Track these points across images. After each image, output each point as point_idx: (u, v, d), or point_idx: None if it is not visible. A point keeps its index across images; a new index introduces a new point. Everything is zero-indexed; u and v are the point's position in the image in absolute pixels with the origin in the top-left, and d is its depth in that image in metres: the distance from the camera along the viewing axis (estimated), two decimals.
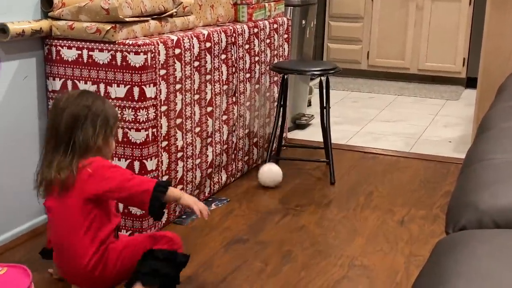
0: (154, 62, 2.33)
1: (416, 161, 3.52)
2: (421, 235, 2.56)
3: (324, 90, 3.22)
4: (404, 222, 2.69)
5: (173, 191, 1.94)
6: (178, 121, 2.54)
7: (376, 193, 3.02)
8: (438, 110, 4.77)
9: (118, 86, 2.33)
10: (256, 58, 3.15)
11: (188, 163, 2.65)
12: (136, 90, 2.31)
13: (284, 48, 3.48)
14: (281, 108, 3.26)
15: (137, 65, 2.29)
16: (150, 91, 2.34)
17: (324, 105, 3.24)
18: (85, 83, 2.37)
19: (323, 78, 3.24)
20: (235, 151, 3.08)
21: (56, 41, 2.39)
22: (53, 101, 2.02)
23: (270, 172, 3.02)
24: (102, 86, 2.35)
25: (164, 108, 2.43)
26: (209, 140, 2.80)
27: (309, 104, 4.54)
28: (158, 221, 2.15)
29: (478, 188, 1.42)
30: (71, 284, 2.01)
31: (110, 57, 2.32)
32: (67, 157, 1.88)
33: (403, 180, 3.21)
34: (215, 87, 2.79)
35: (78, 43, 2.36)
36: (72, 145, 1.88)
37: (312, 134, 3.97)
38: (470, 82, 5.38)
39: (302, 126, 4.14)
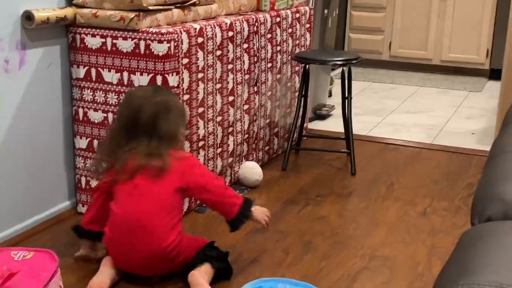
0: (177, 50, 2.35)
1: (438, 152, 3.51)
2: (443, 226, 2.55)
3: (346, 81, 3.21)
4: (426, 213, 2.69)
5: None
6: (200, 110, 2.56)
7: (398, 184, 3.02)
8: (461, 101, 4.73)
9: (141, 74, 2.35)
10: (278, 48, 3.16)
11: (209, 152, 2.67)
12: (159, 78, 2.33)
13: (306, 38, 3.47)
14: (302, 98, 3.26)
15: (160, 54, 2.31)
16: (172, 80, 2.35)
17: (346, 96, 3.24)
18: (109, 71, 2.39)
19: (345, 68, 3.23)
20: (255, 141, 3.09)
21: (80, 29, 2.41)
22: (128, 93, 2.19)
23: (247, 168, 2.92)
24: (125, 74, 2.37)
25: (186, 97, 2.45)
26: (230, 129, 2.81)
27: (330, 95, 4.53)
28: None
29: (504, 179, 1.42)
30: (126, 270, 2.06)
31: (133, 46, 2.33)
32: (152, 145, 2.01)
33: (425, 172, 3.20)
34: (237, 76, 2.80)
35: (102, 31, 2.38)
36: (157, 134, 2.01)
37: (333, 124, 3.97)
38: (494, 74, 5.33)
39: (322, 117, 4.14)
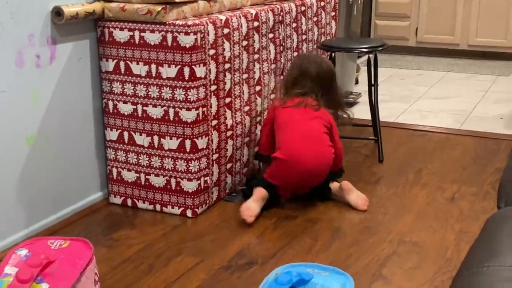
0: (203, 42, 2.37)
1: (467, 138, 3.49)
2: (472, 211, 2.55)
3: (372, 68, 3.21)
4: (455, 199, 2.68)
5: None
6: (227, 100, 2.58)
7: (426, 170, 3.02)
8: (488, 86, 4.69)
9: (169, 66, 2.38)
10: (304, 37, 3.16)
11: (237, 141, 2.70)
12: (186, 70, 2.36)
13: (332, 26, 3.47)
14: None
15: (187, 46, 2.33)
16: (200, 71, 2.38)
17: (372, 83, 3.23)
18: (137, 63, 2.43)
19: (371, 56, 3.23)
20: None
21: (108, 23, 2.45)
22: (300, 55, 3.03)
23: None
24: (153, 66, 2.40)
25: (213, 87, 2.48)
26: (258, 119, 2.84)
27: (357, 82, 4.52)
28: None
29: None
30: (291, 186, 2.60)
31: (161, 38, 2.37)
32: (317, 90, 2.70)
33: (453, 157, 3.19)
34: (263, 66, 2.82)
35: (130, 24, 2.41)
36: (325, 87, 2.72)
37: (360, 112, 3.96)
38: None
39: (349, 104, 4.13)
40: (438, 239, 2.33)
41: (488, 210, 2.54)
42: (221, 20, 2.48)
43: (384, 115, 3.76)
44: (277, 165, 2.55)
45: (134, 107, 2.48)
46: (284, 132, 2.60)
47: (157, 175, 2.51)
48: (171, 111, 2.41)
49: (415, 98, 4.37)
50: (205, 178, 2.52)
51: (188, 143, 2.43)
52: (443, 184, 2.84)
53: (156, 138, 2.47)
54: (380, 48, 3.12)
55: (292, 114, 2.63)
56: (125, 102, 2.49)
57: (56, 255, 1.59)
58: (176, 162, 2.46)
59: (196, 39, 2.33)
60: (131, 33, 2.41)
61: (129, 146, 2.53)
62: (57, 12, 2.28)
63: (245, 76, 2.69)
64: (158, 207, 2.55)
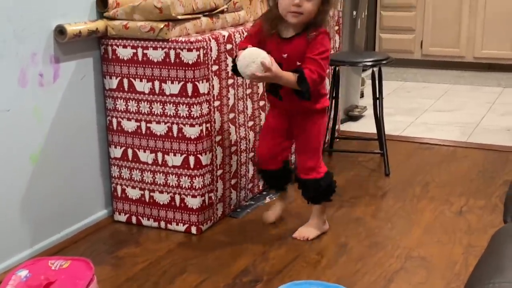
0: (206, 58, 2.36)
1: (474, 150, 3.45)
2: (480, 225, 2.51)
3: (377, 81, 3.19)
4: (462, 212, 2.65)
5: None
6: (231, 115, 2.57)
7: (433, 183, 2.98)
8: (495, 98, 4.65)
9: (172, 83, 2.37)
10: None
11: (241, 157, 2.67)
12: (189, 86, 2.34)
13: (335, 40, 3.46)
14: (334, 100, 3.25)
15: (190, 62, 2.32)
16: (203, 87, 2.37)
17: (377, 96, 3.21)
18: (141, 80, 2.42)
19: (376, 69, 3.21)
20: None
21: (111, 40, 2.44)
22: None
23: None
24: (156, 83, 2.39)
25: (217, 103, 2.46)
26: None
27: (362, 96, 4.50)
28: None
29: None
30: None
31: (164, 55, 2.36)
32: None
33: (460, 170, 3.15)
34: None
35: (133, 42, 2.41)
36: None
37: (365, 125, 3.94)
38: None
39: (355, 118, 4.11)
40: (446, 253, 2.29)
41: (496, 223, 2.50)
42: (223, 36, 2.47)
43: (390, 129, 3.74)
44: None
45: (138, 124, 2.47)
46: None
47: (161, 192, 2.49)
48: (175, 127, 2.40)
49: (421, 111, 4.35)
50: (210, 194, 2.50)
51: (192, 159, 2.41)
52: (451, 197, 2.81)
53: (160, 154, 2.45)
54: (384, 62, 3.10)
55: None
56: (129, 119, 2.48)
57: (56, 276, 1.57)
58: (180, 179, 2.44)
59: (198, 55, 2.32)
60: (134, 51, 2.41)
61: (133, 163, 2.51)
62: (60, 31, 2.28)
63: (248, 91, 2.67)
64: (162, 224, 2.53)
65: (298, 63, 2.18)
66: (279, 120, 2.37)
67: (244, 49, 2.17)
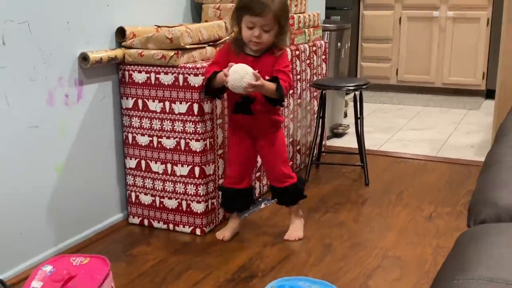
0: None
1: (442, 164, 3.45)
2: (447, 229, 2.50)
3: (358, 103, 3.19)
4: (432, 217, 2.64)
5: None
6: None
7: (406, 192, 2.97)
8: (461, 119, 4.66)
9: (180, 103, 2.37)
10: (298, 77, 3.16)
11: None
12: (195, 106, 2.34)
13: (322, 67, 3.47)
14: (321, 119, 3.25)
15: (196, 85, 2.32)
16: (207, 107, 2.37)
17: (358, 116, 3.21)
18: (153, 101, 2.42)
19: (357, 93, 3.21)
20: None
21: (128, 66, 2.45)
22: None
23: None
24: (167, 103, 2.39)
25: (219, 121, 2.46)
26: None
27: (345, 115, 4.50)
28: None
29: (496, 186, 1.38)
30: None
31: (173, 79, 2.36)
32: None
33: (430, 181, 3.15)
34: None
35: (147, 67, 2.41)
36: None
37: (348, 141, 3.94)
38: (490, 94, 5.23)
39: (339, 135, 4.11)
40: (418, 253, 2.28)
41: (461, 227, 2.50)
42: None
43: (369, 144, 3.73)
44: None
45: (150, 138, 2.46)
46: None
47: (170, 198, 2.48)
48: (182, 142, 2.39)
49: (396, 129, 4.35)
50: (212, 201, 2.49)
51: (197, 169, 2.40)
52: (422, 204, 2.80)
53: (169, 165, 2.45)
54: (364, 86, 3.10)
55: None
56: (142, 135, 2.48)
57: (77, 271, 1.56)
58: (187, 187, 2.43)
59: (204, 79, 2.32)
60: (148, 75, 2.41)
61: (146, 173, 2.51)
62: (84, 58, 2.28)
63: None
64: (171, 226, 2.51)
65: (267, 78, 2.18)
66: (244, 141, 2.32)
67: (215, 72, 2.18)
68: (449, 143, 3.96)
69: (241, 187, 2.37)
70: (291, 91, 3.08)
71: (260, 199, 2.87)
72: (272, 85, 2.15)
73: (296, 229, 2.43)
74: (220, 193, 2.46)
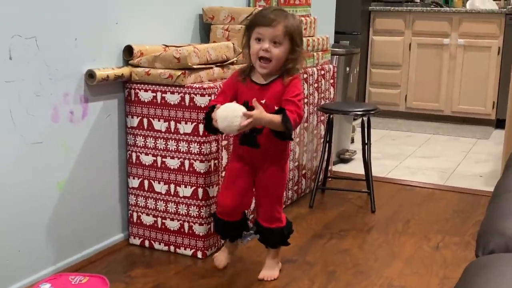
0: None
1: (450, 193, 3.43)
2: (454, 259, 2.48)
3: (366, 129, 3.20)
4: (439, 247, 2.62)
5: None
6: None
7: (413, 221, 2.96)
8: (470, 148, 4.65)
9: (186, 123, 2.38)
10: (306, 100, 3.17)
11: None
12: (201, 127, 2.35)
13: (330, 92, 3.48)
14: (327, 144, 3.25)
15: (203, 105, 2.34)
16: None
17: (366, 142, 3.21)
18: (158, 120, 2.43)
19: (365, 118, 3.22)
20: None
21: (134, 85, 2.46)
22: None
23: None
24: (172, 123, 2.40)
25: (224, 142, 2.47)
26: None
27: (352, 141, 4.50)
28: None
29: (505, 216, 1.38)
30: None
31: (179, 99, 2.37)
32: None
33: (438, 210, 3.13)
34: None
35: (153, 86, 2.43)
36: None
37: (355, 167, 3.93)
38: (500, 123, 5.23)
39: (345, 160, 4.11)
40: (424, 284, 2.26)
41: (469, 258, 2.47)
42: None
43: (377, 171, 3.72)
44: None
45: (154, 158, 2.47)
46: None
47: (172, 219, 2.48)
48: (187, 162, 2.40)
49: (404, 156, 4.34)
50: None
51: (200, 191, 2.40)
52: (429, 234, 2.78)
53: (172, 186, 2.45)
54: (372, 112, 3.11)
55: None
56: (146, 154, 2.48)
57: None
58: (189, 208, 2.43)
59: (210, 100, 2.33)
60: (154, 94, 2.43)
61: (149, 193, 2.51)
62: (90, 75, 2.30)
63: None
64: (172, 248, 2.50)
65: (276, 108, 2.03)
66: (246, 171, 2.18)
67: (213, 106, 2.03)
68: (457, 172, 3.95)
69: (234, 220, 2.26)
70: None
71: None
72: (276, 118, 1.98)
73: (271, 268, 2.28)
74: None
